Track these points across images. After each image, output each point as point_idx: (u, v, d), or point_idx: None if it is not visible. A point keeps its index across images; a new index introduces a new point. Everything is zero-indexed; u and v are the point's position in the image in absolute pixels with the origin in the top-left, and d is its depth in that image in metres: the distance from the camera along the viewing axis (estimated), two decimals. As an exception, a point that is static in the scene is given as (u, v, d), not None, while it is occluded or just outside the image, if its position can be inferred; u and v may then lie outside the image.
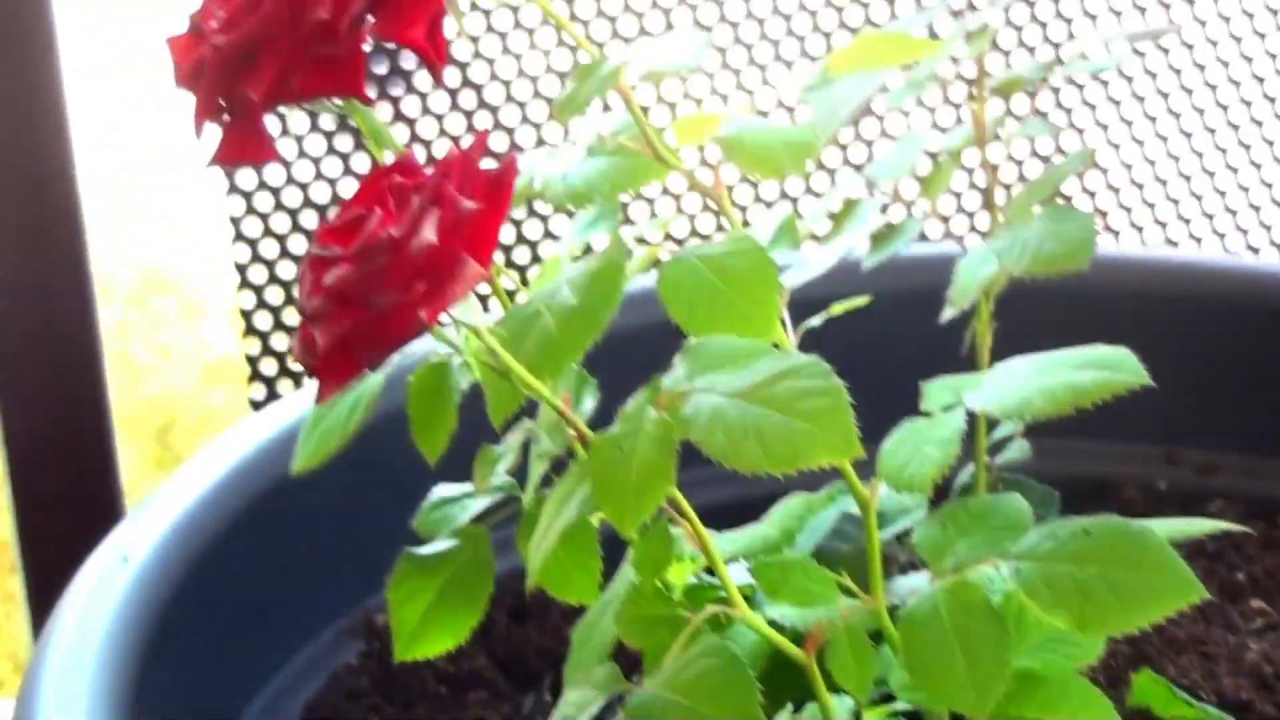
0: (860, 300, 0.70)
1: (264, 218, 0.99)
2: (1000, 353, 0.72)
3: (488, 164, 0.53)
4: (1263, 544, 0.88)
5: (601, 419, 0.57)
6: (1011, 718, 0.60)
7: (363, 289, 0.50)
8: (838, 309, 0.69)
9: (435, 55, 0.58)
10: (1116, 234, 1.11)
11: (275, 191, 0.98)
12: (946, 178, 0.78)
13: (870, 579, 0.61)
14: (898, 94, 0.76)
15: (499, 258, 1.01)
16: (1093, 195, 1.11)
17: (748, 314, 0.58)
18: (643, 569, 0.57)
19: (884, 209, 0.77)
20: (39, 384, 0.96)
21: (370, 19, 0.59)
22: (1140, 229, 1.12)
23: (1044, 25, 1.07)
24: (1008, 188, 1.07)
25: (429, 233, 0.50)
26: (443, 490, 0.67)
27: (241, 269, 0.99)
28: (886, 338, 0.82)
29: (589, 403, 0.59)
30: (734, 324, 0.57)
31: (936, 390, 0.63)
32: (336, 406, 0.65)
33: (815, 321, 0.67)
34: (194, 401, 2.44)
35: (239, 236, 0.99)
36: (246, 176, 0.98)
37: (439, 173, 0.52)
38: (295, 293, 0.53)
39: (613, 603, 0.58)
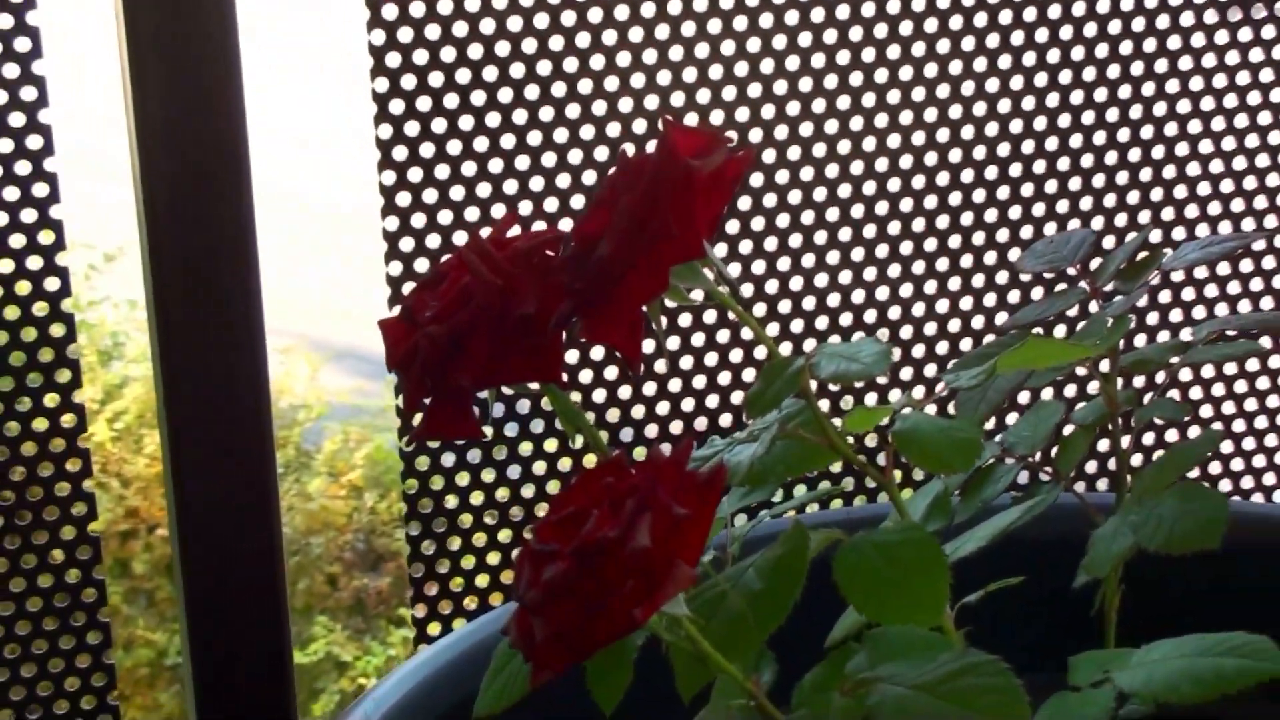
0: (1015, 580, 0.68)
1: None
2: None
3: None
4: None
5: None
6: None
7: (580, 586, 0.49)
8: (993, 586, 0.67)
9: (634, 354, 0.58)
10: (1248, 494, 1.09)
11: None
12: (1081, 448, 0.77)
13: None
14: (1041, 376, 0.76)
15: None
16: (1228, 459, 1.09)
17: (918, 600, 0.57)
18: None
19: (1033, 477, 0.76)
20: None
21: (576, 319, 0.58)
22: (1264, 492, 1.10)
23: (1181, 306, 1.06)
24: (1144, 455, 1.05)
25: (644, 537, 0.49)
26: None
27: (410, 499, 0.98)
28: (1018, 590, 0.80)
29: (768, 675, 0.58)
30: (905, 610, 0.56)
31: (1085, 666, 0.62)
32: (510, 666, 0.64)
33: (973, 598, 0.66)
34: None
35: (410, 471, 0.98)
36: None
37: (649, 475, 0.51)
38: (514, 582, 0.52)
39: None
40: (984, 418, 0.70)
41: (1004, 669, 0.51)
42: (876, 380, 1.02)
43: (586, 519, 0.51)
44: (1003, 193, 1.02)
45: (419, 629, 1.01)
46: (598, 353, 0.98)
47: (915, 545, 0.57)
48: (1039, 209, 1.03)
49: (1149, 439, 1.06)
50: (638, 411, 0.99)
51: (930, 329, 1.03)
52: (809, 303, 1.01)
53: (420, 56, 0.92)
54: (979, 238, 1.03)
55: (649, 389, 0.99)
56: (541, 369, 0.61)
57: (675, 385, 0.99)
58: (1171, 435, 1.07)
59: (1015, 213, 1.03)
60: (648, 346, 0.98)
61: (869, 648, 0.54)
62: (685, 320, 0.99)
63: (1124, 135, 1.03)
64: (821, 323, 1.01)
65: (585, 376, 0.98)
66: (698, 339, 1.00)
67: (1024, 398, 1.03)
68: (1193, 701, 0.58)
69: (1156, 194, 1.04)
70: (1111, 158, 1.03)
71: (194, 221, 0.91)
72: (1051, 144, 1.02)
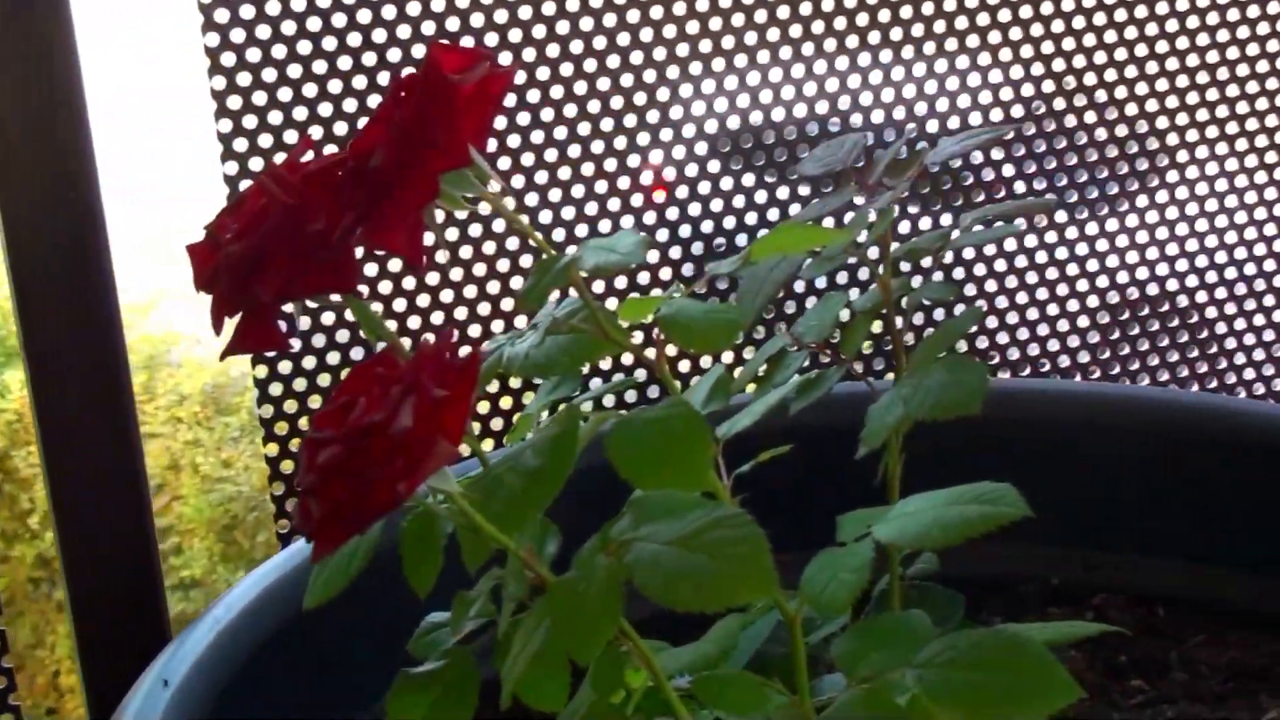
0: (783, 449, 0.70)
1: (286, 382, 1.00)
2: (908, 478, 0.72)
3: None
4: (1143, 630, 0.89)
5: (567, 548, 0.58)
6: (921, 802, 0.60)
7: (350, 466, 0.51)
8: (764, 456, 0.69)
9: (415, 258, 0.59)
10: (1011, 368, 1.12)
11: (295, 358, 0.99)
12: (861, 335, 0.79)
13: (798, 686, 0.62)
14: (816, 267, 0.77)
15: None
16: (994, 333, 1.11)
17: (685, 468, 0.58)
18: (597, 688, 0.57)
19: (809, 361, 0.77)
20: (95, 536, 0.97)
21: (359, 229, 0.60)
22: (1028, 362, 1.13)
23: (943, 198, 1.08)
24: (918, 332, 1.08)
25: (406, 418, 0.51)
26: (433, 618, 0.68)
27: (267, 423, 0.99)
28: (811, 469, 0.82)
29: (551, 547, 0.60)
30: (673, 477, 0.58)
31: (850, 523, 0.64)
32: (340, 552, 0.66)
33: (745, 468, 0.68)
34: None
35: (265, 398, 0.99)
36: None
37: (415, 365, 0.53)
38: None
39: (574, 715, 0.59)
40: (761, 306, 0.72)
41: (748, 520, 0.53)
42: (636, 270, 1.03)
43: (357, 406, 0.52)
44: (785, 94, 1.04)
45: (284, 543, 1.02)
46: (396, 264, 0.99)
47: (680, 418, 0.59)
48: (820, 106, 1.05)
49: (923, 321, 1.08)
50: (437, 318, 1.01)
51: (707, 227, 1.04)
52: (591, 208, 1.02)
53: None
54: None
55: (447, 296, 1.00)
56: (338, 281, 0.62)
57: (471, 291, 1.00)
58: (942, 316, 1.09)
59: (800, 110, 1.04)
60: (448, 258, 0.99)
61: (632, 512, 0.56)
62: (477, 230, 1.00)
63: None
64: (605, 226, 1.03)
65: (385, 287, 1.00)
66: (489, 246, 1.01)
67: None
68: (942, 546, 0.61)
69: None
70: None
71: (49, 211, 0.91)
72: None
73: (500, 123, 0.99)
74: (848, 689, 0.57)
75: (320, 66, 0.94)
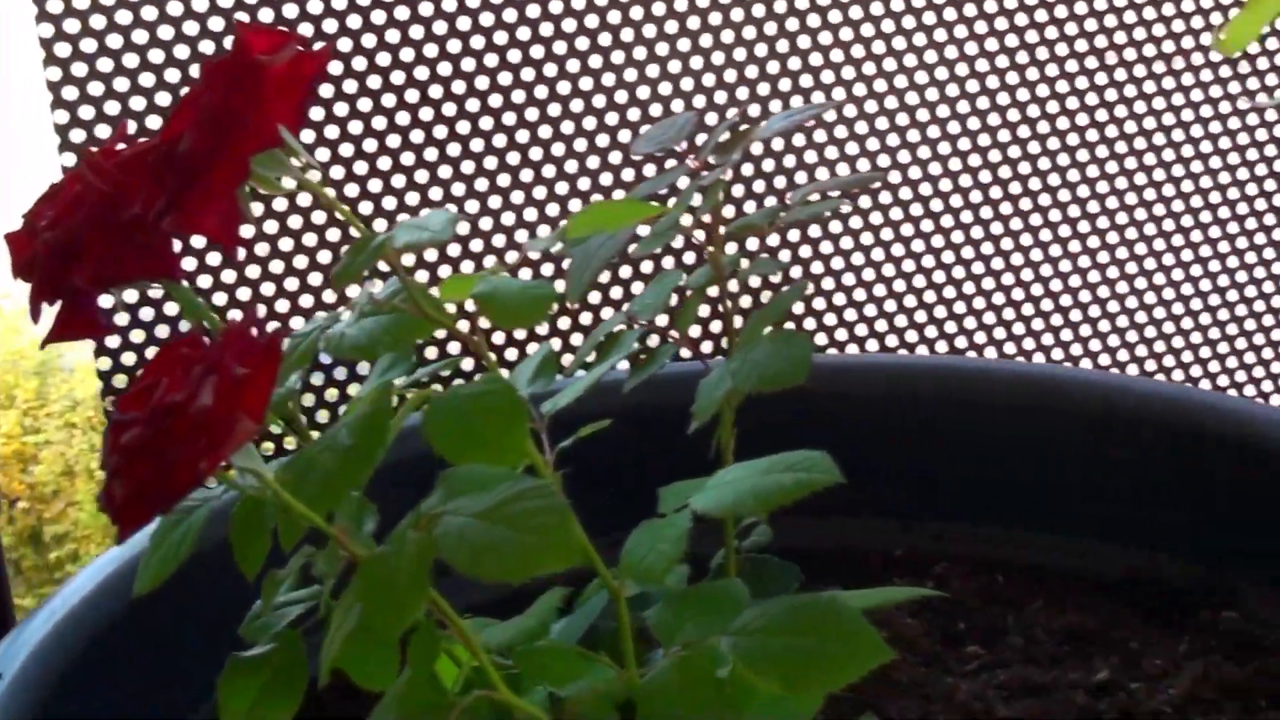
0: (603, 423, 0.71)
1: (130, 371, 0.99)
2: (741, 453, 0.73)
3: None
4: (982, 597, 0.90)
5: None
6: (744, 767, 0.61)
7: (152, 446, 0.51)
8: (585, 431, 0.70)
9: (228, 242, 0.59)
10: (845, 345, 1.13)
11: (139, 349, 0.99)
12: (693, 311, 0.80)
13: (624, 657, 0.62)
14: (645, 244, 0.78)
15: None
16: (821, 314, 1.13)
17: (500, 444, 0.59)
18: (415, 663, 0.58)
19: (643, 338, 0.78)
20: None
21: (171, 214, 0.60)
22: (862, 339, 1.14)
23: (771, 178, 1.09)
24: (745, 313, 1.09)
25: (207, 397, 0.51)
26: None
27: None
28: (648, 448, 0.83)
29: (369, 525, 0.60)
30: (489, 453, 0.58)
31: (670, 495, 0.65)
32: (170, 538, 0.65)
33: (567, 443, 0.68)
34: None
35: (109, 389, 0.99)
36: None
37: (218, 344, 0.53)
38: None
39: (396, 693, 0.59)
40: (589, 283, 0.72)
41: (552, 492, 0.53)
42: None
43: (159, 387, 0.52)
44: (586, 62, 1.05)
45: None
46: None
47: (495, 394, 0.59)
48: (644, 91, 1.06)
49: (754, 300, 1.10)
50: (261, 305, 1.01)
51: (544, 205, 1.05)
52: (412, 197, 1.02)
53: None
54: (590, 123, 1.05)
55: (269, 284, 1.00)
56: (155, 266, 0.62)
57: (293, 285, 1.00)
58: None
59: (624, 97, 1.05)
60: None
61: (443, 486, 0.56)
62: (321, 217, 1.00)
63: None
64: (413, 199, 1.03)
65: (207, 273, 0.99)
66: (310, 238, 1.01)
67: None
68: (758, 513, 0.62)
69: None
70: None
71: None
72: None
73: (319, 114, 0.99)
74: (664, 658, 0.58)
75: (157, 56, 0.93)
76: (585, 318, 1.08)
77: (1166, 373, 1.20)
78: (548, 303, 0.63)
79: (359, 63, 0.99)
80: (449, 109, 1.01)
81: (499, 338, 1.06)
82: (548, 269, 1.05)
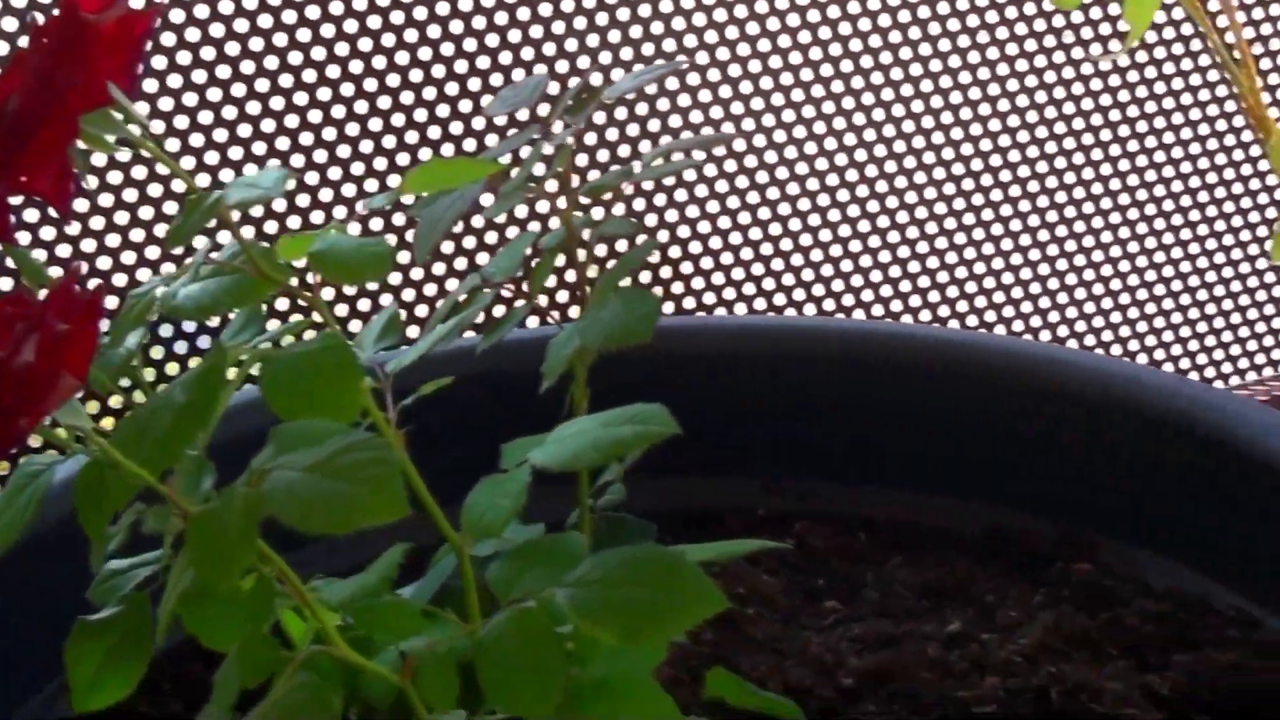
0: (445, 381, 0.71)
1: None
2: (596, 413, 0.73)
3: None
4: (843, 555, 0.91)
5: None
6: (588, 718, 0.61)
7: (-28, 404, 0.51)
8: (428, 388, 0.70)
9: (60, 202, 0.59)
10: (713, 308, 1.14)
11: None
12: (546, 272, 0.80)
13: (469, 611, 0.63)
14: (495, 208, 0.78)
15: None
16: (689, 278, 1.13)
17: (335, 401, 0.59)
18: (251, 619, 0.58)
19: (498, 301, 0.78)
20: None
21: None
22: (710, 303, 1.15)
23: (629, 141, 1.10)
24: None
25: (28, 353, 0.51)
26: (113, 564, 0.68)
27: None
28: (505, 412, 0.83)
29: (208, 483, 0.60)
30: (325, 410, 0.59)
31: (511, 450, 0.65)
32: (17, 501, 0.65)
33: (408, 401, 0.68)
34: None
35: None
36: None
37: (40, 302, 0.53)
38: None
39: (234, 651, 0.59)
40: (436, 243, 0.72)
41: (382, 445, 0.54)
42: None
43: (-19, 345, 0.52)
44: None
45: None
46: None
47: (329, 351, 0.59)
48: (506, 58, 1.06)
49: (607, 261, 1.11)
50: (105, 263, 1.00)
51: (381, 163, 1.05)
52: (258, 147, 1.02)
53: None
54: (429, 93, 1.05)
55: (108, 233, 1.00)
56: (-11, 228, 0.62)
57: (115, 241, 1.00)
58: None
59: (464, 67, 1.05)
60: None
61: (274, 442, 0.56)
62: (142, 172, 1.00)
63: None
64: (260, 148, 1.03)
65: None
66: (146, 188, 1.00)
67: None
68: (596, 465, 0.62)
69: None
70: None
71: None
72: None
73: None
74: (501, 612, 0.58)
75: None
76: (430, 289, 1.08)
77: (1034, 334, 1.21)
78: (383, 259, 0.63)
79: (192, 34, 0.98)
80: (286, 80, 1.01)
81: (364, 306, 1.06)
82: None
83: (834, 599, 0.86)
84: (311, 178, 1.01)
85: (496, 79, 1.05)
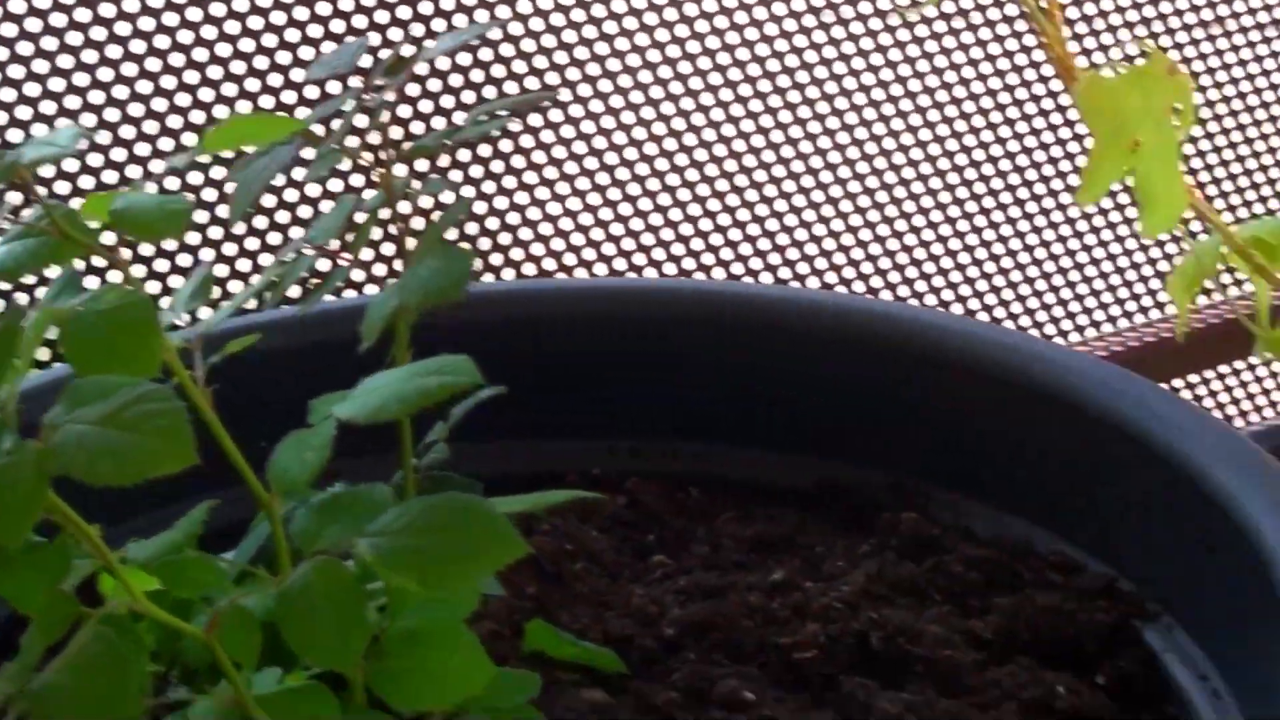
0: (250, 338, 0.71)
1: None
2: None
3: None
4: (674, 511, 0.92)
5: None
6: (396, 669, 0.62)
7: None
8: (233, 346, 0.70)
9: None
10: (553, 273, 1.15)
11: None
12: (367, 234, 0.81)
13: (279, 567, 0.63)
14: (312, 170, 0.78)
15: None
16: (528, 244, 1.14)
17: (135, 357, 0.59)
18: (46, 576, 0.58)
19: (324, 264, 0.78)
20: None
21: None
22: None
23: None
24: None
25: None
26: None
27: None
28: (334, 380, 0.83)
29: (8, 441, 0.60)
30: (124, 367, 0.59)
31: (319, 405, 0.65)
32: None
33: (215, 358, 0.68)
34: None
35: None
36: None
37: None
38: None
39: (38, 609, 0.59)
40: (249, 203, 0.73)
41: (170, 395, 0.54)
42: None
43: None
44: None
45: None
46: None
47: (130, 308, 0.60)
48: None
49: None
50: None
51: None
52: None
53: None
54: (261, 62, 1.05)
55: None
56: None
57: None
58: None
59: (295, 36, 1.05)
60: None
61: (66, 398, 0.56)
62: None
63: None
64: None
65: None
66: None
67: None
68: (400, 416, 0.63)
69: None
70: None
71: None
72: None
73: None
74: (303, 565, 0.59)
75: None
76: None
77: (875, 294, 1.23)
78: (183, 216, 0.63)
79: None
80: (98, 32, 1.00)
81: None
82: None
83: (663, 554, 0.87)
84: (104, 137, 1.01)
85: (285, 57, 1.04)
